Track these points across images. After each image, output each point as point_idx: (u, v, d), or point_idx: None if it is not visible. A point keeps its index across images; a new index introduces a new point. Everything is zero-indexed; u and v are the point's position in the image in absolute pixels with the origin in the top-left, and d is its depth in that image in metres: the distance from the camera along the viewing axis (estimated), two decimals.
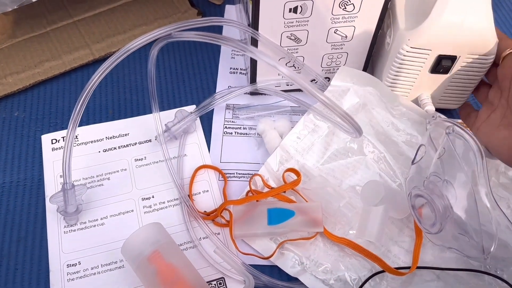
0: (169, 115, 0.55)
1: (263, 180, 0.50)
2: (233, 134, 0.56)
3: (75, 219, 0.48)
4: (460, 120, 0.57)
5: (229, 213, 0.47)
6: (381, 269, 0.44)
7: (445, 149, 0.44)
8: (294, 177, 0.50)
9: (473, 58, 0.48)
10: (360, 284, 0.44)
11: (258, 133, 0.55)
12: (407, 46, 0.48)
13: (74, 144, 0.54)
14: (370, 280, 0.44)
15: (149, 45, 0.45)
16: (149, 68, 0.50)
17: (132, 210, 0.50)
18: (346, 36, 0.51)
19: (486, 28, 0.46)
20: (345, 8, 0.48)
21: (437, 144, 0.47)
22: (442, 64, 0.49)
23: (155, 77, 0.52)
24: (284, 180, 0.50)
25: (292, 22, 0.48)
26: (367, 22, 0.50)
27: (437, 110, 0.54)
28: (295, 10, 0.47)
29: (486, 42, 0.47)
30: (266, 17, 0.47)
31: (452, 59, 0.48)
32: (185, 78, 0.61)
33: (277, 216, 0.46)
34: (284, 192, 0.49)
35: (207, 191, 0.51)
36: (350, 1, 0.47)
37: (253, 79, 0.56)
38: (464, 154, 0.44)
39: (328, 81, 0.56)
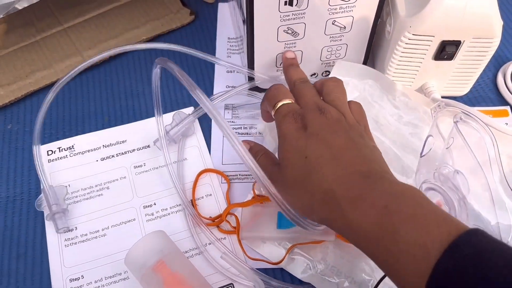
0: (166, 118, 0.53)
1: None
2: None
3: (65, 222, 0.47)
4: (466, 107, 0.55)
5: (235, 217, 0.46)
6: None
7: (454, 138, 0.43)
8: None
9: (478, 42, 0.47)
10: (375, 284, 0.42)
11: (259, 132, 0.54)
12: (409, 33, 0.47)
13: (71, 154, 0.53)
14: (384, 279, 0.43)
15: (142, 50, 0.44)
16: (153, 80, 0.49)
17: (134, 219, 0.48)
18: (344, 27, 0.50)
19: (490, 10, 0.45)
20: None
21: (445, 134, 0.45)
22: (446, 50, 0.47)
23: (149, 79, 0.51)
24: None
25: (288, 15, 0.47)
26: (365, 11, 0.48)
27: (443, 98, 0.52)
28: (290, 2, 0.45)
29: (491, 24, 0.45)
30: (261, 11, 0.46)
31: (457, 44, 0.47)
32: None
33: (287, 220, 0.44)
34: None
35: (210, 195, 0.50)
36: None
37: (251, 77, 0.54)
38: (474, 142, 0.42)
39: (327, 75, 0.55)
